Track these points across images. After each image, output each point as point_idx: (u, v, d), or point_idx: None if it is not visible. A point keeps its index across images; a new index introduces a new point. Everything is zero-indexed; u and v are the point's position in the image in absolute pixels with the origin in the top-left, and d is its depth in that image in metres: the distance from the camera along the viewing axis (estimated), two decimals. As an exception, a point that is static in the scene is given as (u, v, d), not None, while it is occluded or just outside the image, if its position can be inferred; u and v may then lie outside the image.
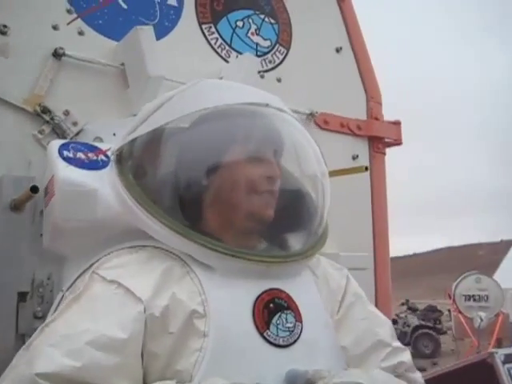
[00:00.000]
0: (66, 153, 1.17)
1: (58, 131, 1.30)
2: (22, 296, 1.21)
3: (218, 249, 1.01)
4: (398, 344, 1.20)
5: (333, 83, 1.86)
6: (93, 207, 1.10)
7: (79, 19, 1.40)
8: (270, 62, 1.73)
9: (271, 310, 1.00)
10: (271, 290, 1.03)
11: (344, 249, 1.71)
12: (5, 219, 1.22)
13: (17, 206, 1.23)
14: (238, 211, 1.07)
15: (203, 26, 1.61)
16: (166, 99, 1.15)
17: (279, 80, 1.74)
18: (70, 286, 1.06)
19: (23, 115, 1.29)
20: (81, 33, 1.40)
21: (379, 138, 1.92)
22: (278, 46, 1.75)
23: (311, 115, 1.74)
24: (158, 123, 1.09)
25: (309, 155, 1.22)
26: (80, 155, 1.19)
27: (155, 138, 1.10)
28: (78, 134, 1.33)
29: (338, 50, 1.90)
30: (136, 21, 1.47)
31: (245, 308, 0.98)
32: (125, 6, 1.48)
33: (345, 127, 1.84)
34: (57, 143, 1.18)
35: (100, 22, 1.43)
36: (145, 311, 0.92)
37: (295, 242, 1.17)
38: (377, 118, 1.93)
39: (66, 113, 1.33)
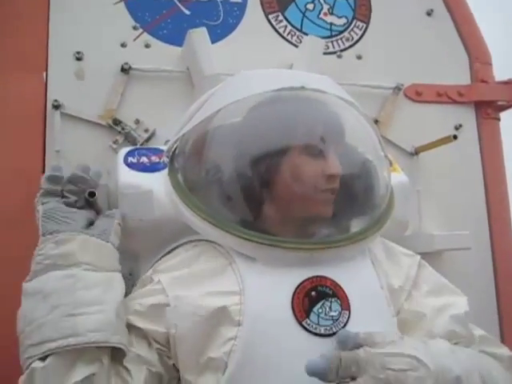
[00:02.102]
0: (130, 159, 1.25)
1: (129, 139, 1.40)
2: None
3: (252, 239, 1.00)
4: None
5: (425, 50, 1.69)
6: (150, 207, 1.15)
7: (145, 33, 1.49)
8: (348, 39, 1.64)
9: (313, 297, 0.96)
10: (315, 277, 0.98)
11: (448, 227, 1.57)
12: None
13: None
14: (295, 209, 1.04)
15: (270, 16, 1.59)
16: (208, 96, 1.17)
17: (359, 57, 1.64)
18: (135, 285, 1.13)
19: (100, 129, 1.41)
20: (147, 45, 1.48)
21: (488, 102, 1.69)
22: (355, 21, 1.66)
23: (397, 88, 1.61)
24: (196, 121, 1.11)
25: (359, 136, 1.14)
26: (143, 159, 1.26)
27: (197, 135, 1.13)
28: (148, 139, 1.42)
29: (429, 13, 1.72)
30: (200, 24, 1.51)
31: (284, 296, 0.96)
32: (187, 12, 1.53)
33: (443, 96, 1.66)
34: (123, 151, 1.27)
35: (165, 31, 1.50)
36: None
37: (349, 226, 1.10)
38: (484, 81, 1.71)
39: (137, 121, 1.42)
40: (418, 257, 1.16)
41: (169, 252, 1.14)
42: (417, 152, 1.59)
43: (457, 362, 0.87)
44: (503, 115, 1.75)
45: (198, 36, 1.39)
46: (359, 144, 1.14)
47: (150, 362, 0.97)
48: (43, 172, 1.36)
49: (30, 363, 0.88)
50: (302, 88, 1.06)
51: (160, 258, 1.14)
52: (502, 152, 1.73)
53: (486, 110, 1.70)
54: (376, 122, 1.57)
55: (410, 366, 0.82)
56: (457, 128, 1.67)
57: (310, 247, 1.01)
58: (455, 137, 1.45)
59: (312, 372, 0.81)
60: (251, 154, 1.02)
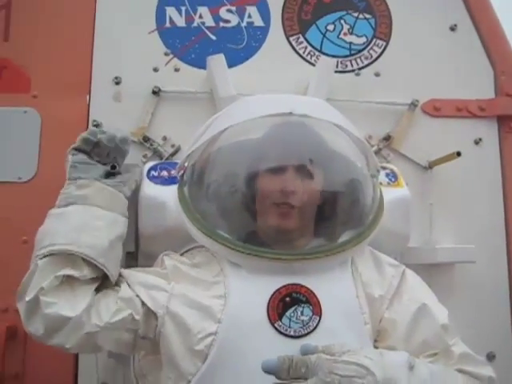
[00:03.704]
0: (152, 172, 1.44)
1: (157, 154, 1.59)
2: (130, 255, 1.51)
3: (239, 249, 1.14)
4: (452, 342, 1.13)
5: (447, 66, 1.73)
6: (163, 216, 1.33)
7: (175, 58, 1.67)
8: (367, 58, 1.72)
9: (287, 303, 1.09)
10: (291, 284, 1.11)
11: (466, 241, 1.61)
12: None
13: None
14: (260, 224, 1.18)
15: (291, 38, 1.71)
16: (212, 120, 1.32)
17: (377, 74, 1.71)
18: None
19: (133, 145, 1.58)
20: (177, 69, 1.66)
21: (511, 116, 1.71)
22: (375, 40, 1.73)
23: (413, 105, 1.66)
24: (200, 142, 1.27)
25: (341, 157, 1.24)
26: (164, 173, 1.44)
27: (198, 155, 1.29)
28: (173, 154, 1.59)
29: (452, 29, 1.75)
30: (225, 48, 1.66)
31: (261, 300, 1.09)
32: (214, 38, 1.69)
33: (462, 110, 1.69)
34: (148, 166, 1.46)
35: (193, 56, 1.67)
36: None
37: (332, 239, 1.21)
38: (509, 94, 1.72)
39: (164, 138, 1.61)
40: (403, 267, 1.24)
41: (180, 255, 1.30)
42: (430, 166, 1.64)
43: (406, 377, 0.94)
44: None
45: (216, 62, 1.55)
46: (341, 163, 1.23)
47: (136, 309, 1.13)
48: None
49: (36, 261, 1.12)
50: (290, 114, 1.18)
51: None
52: (525, 167, 1.72)
53: (510, 123, 1.71)
54: (389, 137, 1.64)
55: (357, 374, 0.91)
56: (477, 142, 1.69)
57: (289, 258, 1.13)
58: (459, 154, 1.49)
59: (266, 369, 0.94)
60: (231, 176, 1.18)
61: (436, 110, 1.70)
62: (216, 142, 1.26)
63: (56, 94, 1.60)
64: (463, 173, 1.66)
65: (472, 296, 1.61)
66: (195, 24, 1.69)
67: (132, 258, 1.52)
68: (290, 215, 1.15)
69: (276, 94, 1.30)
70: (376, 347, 1.11)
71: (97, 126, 1.58)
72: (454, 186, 1.67)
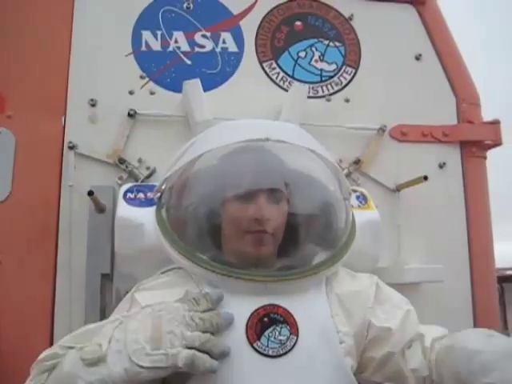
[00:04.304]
0: (129, 194, 1.45)
1: (132, 176, 1.60)
2: (105, 276, 1.54)
3: (216, 270, 1.16)
4: None
5: (413, 93, 1.82)
6: (140, 238, 1.34)
7: (151, 81, 1.70)
8: (337, 84, 1.79)
9: (265, 323, 1.11)
10: (269, 305, 1.13)
11: (429, 261, 1.68)
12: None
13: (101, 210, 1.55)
14: (233, 248, 1.21)
15: (264, 64, 1.76)
16: (189, 144, 1.35)
17: (347, 100, 1.78)
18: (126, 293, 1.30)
19: (108, 167, 1.62)
20: (152, 92, 1.69)
21: (473, 141, 1.80)
22: (344, 67, 1.81)
23: (381, 130, 1.74)
24: (177, 166, 1.29)
25: (316, 181, 1.29)
26: (140, 195, 1.45)
27: (174, 179, 1.31)
28: (149, 176, 1.61)
29: (417, 58, 1.85)
30: (200, 72, 1.71)
31: (240, 321, 1.11)
32: (189, 62, 1.72)
33: (427, 136, 1.78)
34: (124, 188, 1.47)
35: (168, 80, 1.70)
36: None
37: (306, 260, 1.24)
38: (470, 121, 1.81)
39: (140, 160, 1.63)
40: (375, 277, 1.29)
41: (157, 276, 1.31)
42: (398, 189, 1.71)
43: None
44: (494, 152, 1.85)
45: (192, 86, 1.58)
46: (315, 187, 1.28)
47: None
48: (58, 203, 1.58)
49: None
50: (266, 139, 1.22)
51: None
52: (487, 188, 1.82)
53: (471, 148, 1.81)
54: (358, 161, 1.71)
55: None
56: (441, 166, 1.78)
57: (266, 279, 1.16)
58: (425, 178, 1.57)
59: None
60: (205, 200, 1.22)
61: (403, 135, 1.77)
62: (193, 166, 1.28)
63: (31, 115, 1.61)
64: (429, 195, 1.74)
65: (438, 313, 1.66)
66: (171, 48, 1.72)
67: (107, 279, 1.53)
68: (263, 242, 1.18)
69: (252, 120, 1.34)
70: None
71: (72, 147, 1.59)
72: (420, 208, 1.74)
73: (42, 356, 1.08)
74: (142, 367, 0.95)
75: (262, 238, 1.18)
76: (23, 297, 1.53)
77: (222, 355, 1.02)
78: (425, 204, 1.74)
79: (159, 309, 1.03)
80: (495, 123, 1.82)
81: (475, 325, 1.67)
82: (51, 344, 1.51)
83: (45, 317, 1.53)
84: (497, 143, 1.81)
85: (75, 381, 0.96)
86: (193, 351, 0.97)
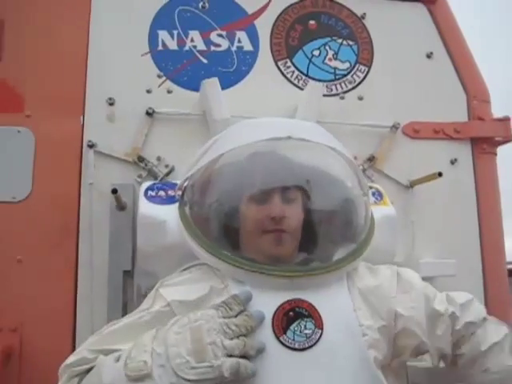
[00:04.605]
0: (150, 192, 1.47)
1: (151, 174, 1.63)
2: (127, 273, 1.57)
3: (243, 266, 1.19)
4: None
5: (424, 91, 1.85)
6: (163, 235, 1.37)
7: (168, 80, 1.72)
8: (350, 82, 1.81)
9: (291, 317, 1.14)
10: (293, 300, 1.16)
11: (445, 256, 1.71)
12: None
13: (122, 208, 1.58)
14: (253, 247, 1.23)
15: (279, 63, 1.79)
16: (212, 142, 1.37)
17: (361, 98, 1.81)
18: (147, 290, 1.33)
19: (127, 165, 1.64)
20: (169, 91, 1.71)
21: (484, 138, 1.83)
22: (358, 65, 1.83)
23: (394, 127, 1.77)
24: (200, 164, 1.31)
25: (336, 179, 1.31)
26: (161, 193, 1.48)
27: (199, 177, 1.34)
28: (168, 174, 1.63)
29: (428, 56, 1.88)
30: (216, 71, 1.73)
31: (266, 315, 1.13)
32: (205, 61, 1.75)
33: (439, 133, 1.81)
34: (144, 186, 1.49)
35: (185, 78, 1.72)
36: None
37: (327, 256, 1.27)
38: (481, 118, 1.84)
39: (159, 158, 1.65)
40: (395, 266, 1.32)
41: (179, 272, 1.34)
42: (412, 185, 1.74)
43: None
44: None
45: (210, 85, 1.61)
46: (336, 184, 1.31)
47: None
48: (78, 202, 1.60)
49: None
50: (289, 138, 1.24)
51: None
52: (497, 184, 1.85)
53: (482, 145, 1.84)
54: (373, 158, 1.74)
55: None
56: (452, 162, 1.81)
57: (291, 274, 1.18)
58: (440, 174, 1.60)
59: None
60: (224, 199, 1.25)
61: (415, 132, 1.80)
62: (215, 164, 1.31)
63: (50, 114, 1.63)
64: (441, 191, 1.77)
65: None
66: (187, 47, 1.75)
67: (128, 276, 1.55)
68: (281, 242, 1.21)
69: (273, 118, 1.36)
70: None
71: (92, 146, 1.61)
72: (433, 204, 1.77)
73: (70, 360, 1.10)
74: (188, 380, 0.97)
75: (281, 236, 1.21)
76: (44, 295, 1.55)
77: (258, 353, 1.05)
78: (437, 200, 1.77)
79: (195, 319, 1.04)
80: (505, 120, 1.85)
81: (488, 318, 1.71)
82: (74, 342, 1.54)
83: (67, 315, 1.55)
84: (507, 139, 1.84)
85: None
86: (236, 359, 0.99)
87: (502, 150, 1.90)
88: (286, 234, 1.21)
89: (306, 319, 1.14)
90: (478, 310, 1.31)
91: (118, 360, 1.03)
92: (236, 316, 1.06)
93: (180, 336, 1.02)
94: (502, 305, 1.77)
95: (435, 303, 1.27)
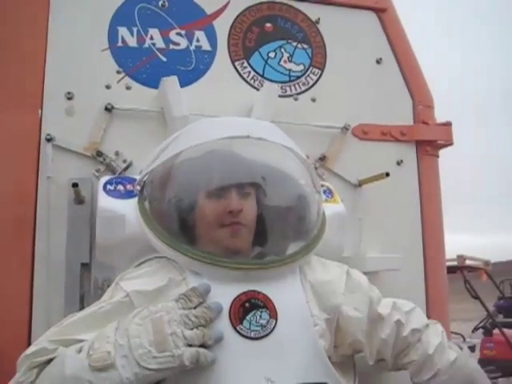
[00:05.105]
0: (108, 186, 1.50)
1: (110, 169, 1.65)
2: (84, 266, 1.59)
3: (200, 259, 1.24)
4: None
5: (373, 94, 1.95)
6: (122, 228, 1.40)
7: (127, 76, 1.75)
8: (304, 84, 1.89)
9: (247, 308, 1.21)
10: (249, 291, 1.22)
11: (390, 251, 1.81)
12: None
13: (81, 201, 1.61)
14: (210, 241, 1.29)
15: (236, 63, 1.85)
16: (172, 139, 1.41)
17: (313, 100, 1.89)
18: (108, 285, 1.35)
19: (85, 159, 1.66)
20: (128, 87, 1.74)
21: (427, 141, 1.95)
22: (311, 68, 1.92)
23: (345, 128, 1.86)
24: (161, 160, 1.36)
25: (290, 176, 1.39)
26: (120, 187, 1.51)
27: (158, 173, 1.38)
28: (126, 169, 1.66)
29: (378, 62, 1.98)
30: (174, 69, 1.77)
31: (223, 306, 1.19)
32: (164, 59, 1.78)
33: (386, 135, 1.92)
34: (103, 180, 1.52)
35: (144, 76, 1.76)
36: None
37: (281, 249, 1.34)
38: (425, 122, 1.97)
39: (117, 153, 1.68)
40: (346, 266, 1.41)
41: (137, 265, 1.37)
42: (360, 184, 1.84)
43: None
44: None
45: (170, 83, 1.65)
46: (290, 182, 1.38)
47: None
48: (36, 195, 1.61)
49: None
50: (247, 137, 1.30)
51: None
52: (439, 184, 1.98)
53: (426, 147, 1.96)
54: (324, 157, 1.83)
55: None
56: (398, 163, 1.93)
57: (246, 267, 1.25)
58: (387, 174, 1.70)
59: None
60: (183, 195, 1.31)
61: (364, 133, 1.91)
62: (175, 160, 1.35)
63: (7, 107, 1.62)
64: (387, 190, 1.87)
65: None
66: (146, 45, 1.78)
67: (85, 269, 1.58)
68: (237, 234, 1.28)
69: (233, 118, 1.43)
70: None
71: (50, 139, 1.62)
72: (380, 202, 1.88)
73: (30, 351, 1.12)
74: (151, 370, 1.02)
75: (237, 229, 1.28)
76: (-1, 287, 1.55)
77: (216, 342, 1.11)
78: (383, 198, 1.88)
79: (156, 310, 1.09)
80: (448, 125, 1.98)
81: (427, 311, 1.83)
82: (29, 334, 1.55)
83: (23, 307, 1.56)
84: (449, 143, 1.97)
85: None
86: (196, 349, 1.06)
87: (443, 153, 2.04)
88: (242, 226, 1.28)
89: (261, 310, 1.21)
90: (421, 317, 1.43)
91: (80, 351, 1.07)
92: (195, 308, 1.12)
93: (142, 327, 1.06)
94: (440, 298, 1.90)
95: (379, 307, 1.38)
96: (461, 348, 1.49)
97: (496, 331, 7.14)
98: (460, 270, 6.96)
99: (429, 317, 1.82)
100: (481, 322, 7.66)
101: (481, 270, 7.21)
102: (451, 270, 6.90)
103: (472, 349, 7.11)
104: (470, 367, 1.44)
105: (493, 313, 7.35)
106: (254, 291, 1.23)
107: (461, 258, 7.00)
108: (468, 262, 7.09)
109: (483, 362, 6.74)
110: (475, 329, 7.78)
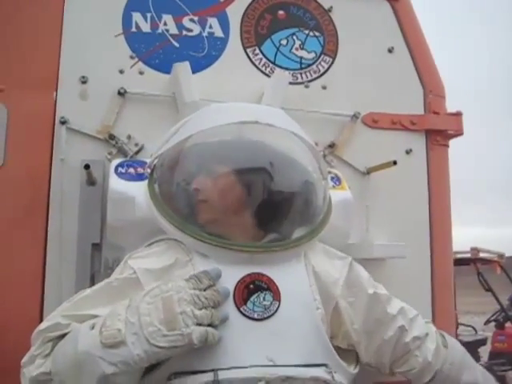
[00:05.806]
0: (120, 169, 1.54)
1: (122, 152, 1.69)
2: (95, 246, 1.64)
3: (206, 240, 1.27)
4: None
5: (384, 83, 1.96)
6: (132, 210, 1.44)
7: (140, 62, 1.78)
8: (315, 72, 1.91)
9: (251, 289, 1.24)
10: (254, 273, 1.26)
11: (396, 239, 1.82)
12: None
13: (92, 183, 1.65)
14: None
15: (248, 50, 1.87)
16: (183, 123, 1.44)
17: (324, 87, 1.91)
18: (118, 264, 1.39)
19: (98, 142, 1.70)
20: (141, 72, 1.77)
21: (438, 130, 1.95)
22: (323, 56, 1.93)
23: (355, 116, 1.87)
24: (170, 144, 1.39)
25: (297, 162, 1.41)
26: (131, 170, 1.55)
27: (169, 156, 1.41)
28: (137, 152, 1.70)
29: (390, 50, 1.98)
30: (187, 55, 1.79)
31: (228, 287, 1.22)
32: (177, 45, 1.81)
33: (396, 124, 1.92)
34: (115, 163, 1.56)
35: (157, 61, 1.79)
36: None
37: (286, 234, 1.37)
38: (436, 112, 1.97)
39: (129, 137, 1.71)
40: (350, 258, 1.42)
41: (147, 246, 1.41)
42: (368, 172, 1.85)
43: None
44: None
45: (182, 69, 1.68)
46: (297, 167, 1.40)
47: None
48: (50, 176, 1.65)
49: None
50: (256, 122, 1.33)
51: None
52: (448, 174, 1.98)
53: (436, 137, 1.96)
54: (333, 144, 1.84)
55: None
56: (408, 152, 1.93)
57: (253, 250, 1.28)
58: (395, 162, 1.71)
59: None
60: (190, 179, 1.35)
61: (374, 122, 1.91)
62: (185, 144, 1.38)
63: (23, 89, 1.67)
64: (396, 179, 1.88)
65: (400, 287, 1.81)
66: (159, 30, 1.80)
67: (96, 249, 1.62)
68: (202, 210, 1.33)
69: (242, 103, 1.45)
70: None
71: (64, 122, 1.66)
72: (387, 190, 1.89)
73: (44, 326, 1.17)
74: (160, 347, 1.06)
75: (203, 206, 1.33)
76: (12, 266, 1.60)
77: (221, 323, 1.15)
78: (391, 186, 1.89)
79: (166, 289, 1.12)
80: (458, 115, 1.98)
81: (433, 299, 1.85)
82: (41, 310, 1.60)
83: (35, 285, 1.61)
84: (459, 133, 1.97)
85: (95, 360, 1.06)
86: (205, 328, 1.09)
87: (453, 143, 2.04)
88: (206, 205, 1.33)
89: (264, 292, 1.24)
90: (422, 325, 1.42)
91: (92, 328, 1.11)
92: (205, 290, 1.15)
93: (152, 306, 1.10)
94: (446, 286, 1.91)
95: (388, 307, 1.37)
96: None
97: (508, 324, 7.10)
98: (473, 262, 6.93)
99: (434, 306, 1.86)
100: (493, 314, 7.61)
101: (495, 263, 7.18)
102: (464, 262, 6.89)
103: (484, 341, 7.11)
104: (458, 355, 1.44)
105: (507, 306, 7.29)
106: (258, 273, 1.26)
107: (474, 250, 6.96)
108: (482, 255, 7.06)
109: (494, 355, 6.74)
110: (487, 321, 7.74)
